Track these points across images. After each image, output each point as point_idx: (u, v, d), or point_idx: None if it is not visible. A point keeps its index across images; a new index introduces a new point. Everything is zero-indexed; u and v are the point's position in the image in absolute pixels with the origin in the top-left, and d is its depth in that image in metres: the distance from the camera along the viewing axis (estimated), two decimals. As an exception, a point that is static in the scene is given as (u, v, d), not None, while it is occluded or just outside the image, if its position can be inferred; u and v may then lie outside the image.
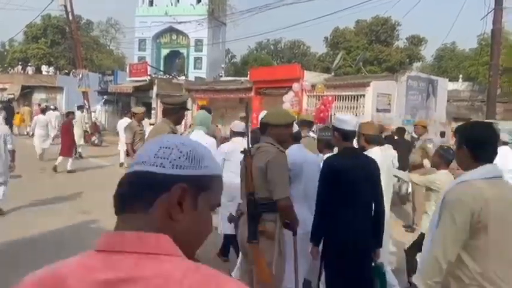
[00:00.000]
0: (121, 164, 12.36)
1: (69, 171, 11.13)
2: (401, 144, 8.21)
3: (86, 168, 11.95)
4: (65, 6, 18.34)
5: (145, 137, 6.92)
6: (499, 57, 11.24)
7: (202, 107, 7.20)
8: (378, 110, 13.18)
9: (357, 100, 13.60)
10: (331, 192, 3.00)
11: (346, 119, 3.19)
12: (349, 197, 2.98)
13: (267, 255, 2.78)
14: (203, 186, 0.86)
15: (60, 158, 11.28)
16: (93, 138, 18.28)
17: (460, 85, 24.29)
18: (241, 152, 2.90)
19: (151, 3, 34.81)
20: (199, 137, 4.37)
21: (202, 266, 0.77)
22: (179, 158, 0.84)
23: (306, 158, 3.72)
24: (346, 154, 3.10)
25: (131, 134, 7.18)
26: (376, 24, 36.09)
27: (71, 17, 18.88)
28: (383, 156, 3.80)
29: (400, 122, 13.35)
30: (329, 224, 3.02)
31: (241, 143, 4.25)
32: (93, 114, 20.42)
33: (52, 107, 17.34)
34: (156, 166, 0.82)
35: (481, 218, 2.00)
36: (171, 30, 34.64)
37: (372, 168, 3.13)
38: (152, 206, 0.81)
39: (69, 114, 12.75)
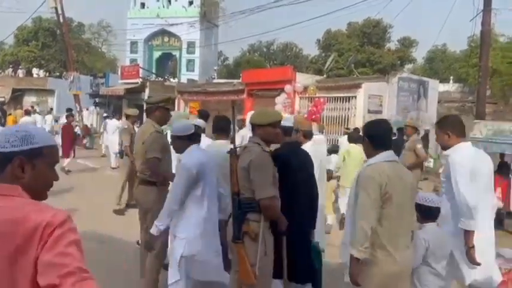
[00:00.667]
0: (114, 167, 12.18)
1: (67, 171, 11.18)
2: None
3: (78, 171, 11.86)
4: (56, 9, 18.21)
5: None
6: (488, 58, 11.36)
7: (199, 112, 7.18)
8: (369, 111, 13.24)
9: (349, 101, 13.67)
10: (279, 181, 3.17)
11: (285, 116, 3.81)
12: (291, 184, 3.19)
13: (250, 255, 2.77)
14: (36, 154, 1.37)
15: (66, 161, 11.35)
16: (85, 140, 18.17)
17: (450, 86, 24.55)
18: (228, 152, 2.92)
19: (142, 6, 34.69)
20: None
21: (37, 202, 1.35)
22: (15, 140, 1.36)
23: (208, 158, 3.46)
24: (286, 147, 3.39)
25: (129, 135, 7.13)
26: (367, 26, 36.31)
27: (62, 20, 18.77)
28: (315, 150, 4.15)
29: (391, 123, 13.43)
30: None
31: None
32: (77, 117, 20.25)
33: (38, 110, 17.03)
34: (2, 148, 1.36)
35: (387, 189, 2.60)
36: (163, 32, 34.53)
37: (308, 160, 3.46)
38: (3, 171, 1.36)
39: (69, 117, 12.78)
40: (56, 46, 37.33)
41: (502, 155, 8.34)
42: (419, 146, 7.52)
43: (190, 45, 34.02)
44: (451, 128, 3.27)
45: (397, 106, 14.44)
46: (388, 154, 2.76)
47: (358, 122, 12.98)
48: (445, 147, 3.37)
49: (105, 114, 19.25)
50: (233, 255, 2.97)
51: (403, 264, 2.67)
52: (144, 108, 4.09)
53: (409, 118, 14.11)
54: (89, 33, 45.95)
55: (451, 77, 27.19)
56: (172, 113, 4.55)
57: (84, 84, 21.40)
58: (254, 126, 3.07)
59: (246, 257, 2.75)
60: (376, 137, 2.81)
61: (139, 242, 4.52)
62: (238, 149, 2.99)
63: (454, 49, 40.36)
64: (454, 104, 20.39)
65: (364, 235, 2.54)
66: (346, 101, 13.74)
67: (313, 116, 12.92)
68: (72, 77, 18.93)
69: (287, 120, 3.60)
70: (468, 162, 3.11)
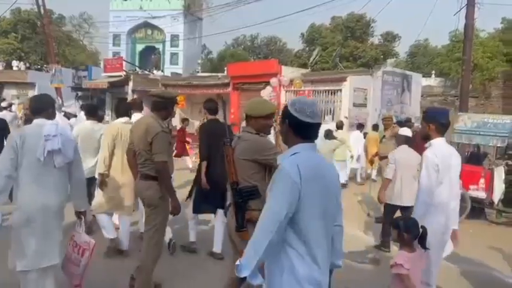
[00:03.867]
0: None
1: None
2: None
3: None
4: (36, 0, 17.76)
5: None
6: (471, 52, 11.53)
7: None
8: (354, 105, 13.35)
9: (334, 94, 13.74)
10: (205, 147, 4.82)
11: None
12: (212, 150, 4.66)
13: None
14: None
15: None
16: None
17: (433, 81, 24.84)
18: (222, 142, 2.93)
19: (125, -2, 34.22)
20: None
21: None
22: None
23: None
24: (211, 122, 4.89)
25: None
26: (351, 20, 36.47)
27: (42, 11, 18.30)
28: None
29: (376, 117, 13.56)
30: (207, 168, 4.75)
31: None
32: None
33: (4, 104, 16.25)
34: None
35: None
36: (146, 25, 34.15)
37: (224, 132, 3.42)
38: None
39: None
40: (36, 38, 36.50)
41: (478, 147, 8.54)
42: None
43: (174, 38, 33.71)
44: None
45: (382, 99, 14.58)
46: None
47: (344, 114, 13.08)
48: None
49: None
50: (237, 245, 2.97)
51: None
52: (153, 101, 3.87)
53: (393, 111, 14.28)
54: (70, 25, 45.07)
55: (433, 72, 27.52)
56: None
57: (66, 77, 20.96)
58: (248, 117, 3.12)
59: None
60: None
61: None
62: (233, 140, 3.00)
63: (435, 44, 40.96)
64: (436, 97, 20.69)
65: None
66: (331, 94, 13.80)
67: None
68: (54, 70, 18.50)
69: None
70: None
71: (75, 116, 10.59)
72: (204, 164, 4.76)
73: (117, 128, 4.82)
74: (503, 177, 7.32)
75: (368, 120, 13.29)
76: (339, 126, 10.00)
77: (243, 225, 2.83)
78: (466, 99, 11.34)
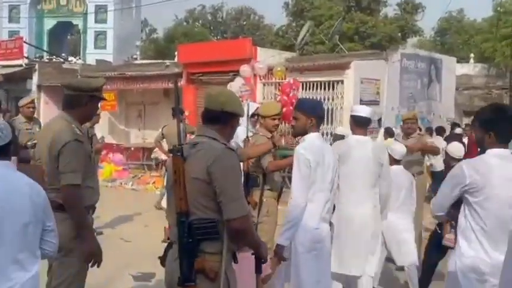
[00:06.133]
0: None
1: None
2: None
3: None
4: None
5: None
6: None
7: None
8: (362, 102, 13.46)
9: (333, 88, 13.85)
10: None
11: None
12: None
13: None
14: None
15: None
16: None
17: (471, 68, 25.42)
18: (169, 150, 2.92)
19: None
20: None
21: None
22: None
23: None
24: None
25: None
26: (355, -17, 37.20)
27: None
28: None
29: (394, 118, 13.72)
30: None
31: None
32: None
33: None
34: None
35: None
36: (58, -9, 33.99)
37: None
38: None
39: None
40: None
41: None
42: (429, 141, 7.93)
43: (100, 10, 33.65)
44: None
45: (401, 94, 14.79)
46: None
47: (346, 116, 13.16)
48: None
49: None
50: None
51: None
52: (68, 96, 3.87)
53: (418, 110, 14.50)
54: None
55: (472, 55, 28.21)
56: None
57: None
58: (210, 113, 3.14)
59: None
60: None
61: None
62: (185, 147, 2.95)
63: (474, 16, 42.08)
64: (477, 90, 21.14)
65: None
66: (328, 88, 13.90)
67: (284, 109, 12.91)
68: None
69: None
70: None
71: None
72: None
73: None
74: None
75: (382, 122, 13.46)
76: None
77: (189, 277, 2.80)
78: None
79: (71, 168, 3.60)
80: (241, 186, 3.06)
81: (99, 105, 4.23)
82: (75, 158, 3.64)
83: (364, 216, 4.87)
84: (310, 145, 4.25)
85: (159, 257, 3.20)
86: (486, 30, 29.25)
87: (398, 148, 6.38)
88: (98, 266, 3.81)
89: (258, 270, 3.23)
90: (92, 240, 3.70)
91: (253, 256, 3.18)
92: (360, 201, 4.89)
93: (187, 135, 8.56)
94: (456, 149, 6.41)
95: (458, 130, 14.14)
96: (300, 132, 4.47)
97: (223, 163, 2.87)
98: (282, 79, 14.22)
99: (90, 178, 3.84)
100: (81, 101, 3.82)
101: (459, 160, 5.81)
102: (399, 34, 37.79)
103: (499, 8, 24.63)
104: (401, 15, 39.61)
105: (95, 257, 3.69)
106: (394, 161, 6.08)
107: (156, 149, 15.63)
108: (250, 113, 7.15)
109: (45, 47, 30.81)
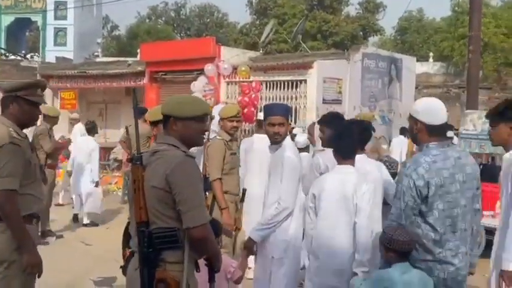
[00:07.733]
0: None
1: None
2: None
3: None
4: None
5: None
6: (480, 26, 12.05)
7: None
8: (324, 101, 13.56)
9: (296, 88, 13.90)
10: None
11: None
12: None
13: None
14: None
15: None
16: None
17: (431, 66, 25.88)
18: (128, 159, 2.88)
19: None
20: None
21: None
22: None
23: None
24: None
25: None
26: (318, -17, 37.48)
27: None
28: None
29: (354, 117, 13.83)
30: None
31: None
32: None
33: None
34: None
35: None
36: (16, -14, 33.37)
37: None
38: None
39: None
40: None
41: (492, 158, 8.88)
42: (385, 146, 7.91)
43: (60, 6, 33.11)
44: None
45: (362, 93, 14.93)
46: None
47: (310, 116, 13.24)
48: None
49: None
50: None
51: None
52: None
53: (378, 109, 14.69)
54: None
55: (431, 54, 28.70)
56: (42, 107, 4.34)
57: None
58: (168, 119, 3.04)
59: None
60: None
61: None
62: (144, 155, 2.91)
63: (433, 16, 42.84)
64: (436, 89, 21.52)
65: None
66: (291, 87, 13.96)
67: (245, 110, 12.92)
68: None
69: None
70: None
71: None
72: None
73: None
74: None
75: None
76: None
77: (151, 287, 2.77)
78: (476, 92, 11.83)
79: (7, 172, 3.48)
80: (201, 194, 3.00)
81: (33, 106, 3.86)
82: (12, 161, 3.52)
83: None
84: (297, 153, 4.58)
85: (121, 266, 3.17)
86: (444, 29, 29.79)
87: (300, 139, 7.34)
88: (39, 277, 3.68)
89: (212, 279, 3.15)
90: (32, 250, 3.57)
91: (206, 265, 3.11)
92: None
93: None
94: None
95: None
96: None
97: (181, 171, 2.83)
98: (246, 78, 14.23)
99: (30, 185, 3.71)
100: (6, 103, 3.74)
101: None
102: (361, 33, 38.27)
103: (456, 8, 25.17)
104: (363, 14, 40.13)
105: (36, 268, 3.58)
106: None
107: (115, 149, 15.45)
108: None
109: (2, 44, 30.14)
